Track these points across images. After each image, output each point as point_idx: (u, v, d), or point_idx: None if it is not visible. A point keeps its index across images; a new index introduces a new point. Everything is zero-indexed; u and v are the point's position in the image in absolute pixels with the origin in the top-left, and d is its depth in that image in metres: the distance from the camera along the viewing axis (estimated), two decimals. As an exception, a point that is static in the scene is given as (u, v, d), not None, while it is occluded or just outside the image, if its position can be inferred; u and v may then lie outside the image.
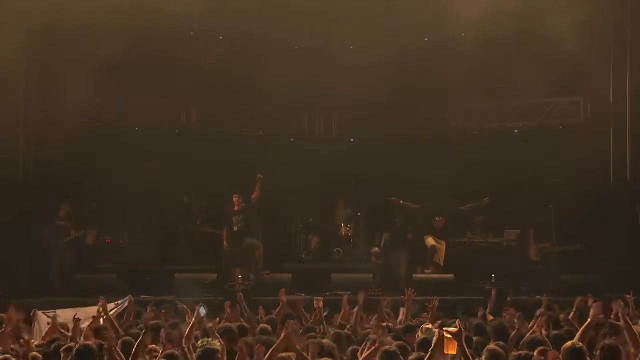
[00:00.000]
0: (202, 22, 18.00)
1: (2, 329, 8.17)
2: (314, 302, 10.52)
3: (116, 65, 15.76)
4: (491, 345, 7.24)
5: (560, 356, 6.53)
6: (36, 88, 15.74)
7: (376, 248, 17.50)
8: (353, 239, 17.38)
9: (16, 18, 15.35)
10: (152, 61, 16.95)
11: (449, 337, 6.47)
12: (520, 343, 7.86)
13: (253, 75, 18.07)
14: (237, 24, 18.12)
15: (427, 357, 6.67)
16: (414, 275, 15.57)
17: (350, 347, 7.98)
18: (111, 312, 10.03)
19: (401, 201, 16.45)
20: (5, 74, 15.31)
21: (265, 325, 9.31)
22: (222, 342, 7.48)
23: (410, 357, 7.12)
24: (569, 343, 6.66)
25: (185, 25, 17.78)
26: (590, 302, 10.93)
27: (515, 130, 17.97)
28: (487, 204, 16.16)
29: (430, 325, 8.75)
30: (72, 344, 7.33)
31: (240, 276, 15.11)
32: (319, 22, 19.11)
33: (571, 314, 10.39)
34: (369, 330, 9.21)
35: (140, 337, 7.50)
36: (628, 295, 10.91)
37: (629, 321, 7.46)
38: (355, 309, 10.35)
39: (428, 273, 15.67)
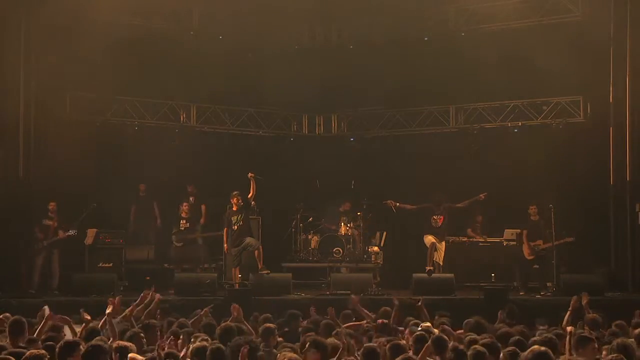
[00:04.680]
0: (202, 22, 18.01)
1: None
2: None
3: (116, 64, 15.77)
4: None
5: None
6: (36, 88, 15.71)
7: (376, 248, 17.50)
8: (353, 239, 17.38)
9: (16, 17, 15.38)
10: (152, 61, 16.95)
11: None
12: None
13: (253, 74, 18.10)
14: (237, 24, 18.13)
15: None
16: (414, 275, 15.55)
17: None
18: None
19: (398, 204, 16.42)
20: (5, 73, 15.36)
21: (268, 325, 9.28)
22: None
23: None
24: (535, 347, 6.67)
25: (185, 25, 17.80)
26: (585, 300, 10.94)
27: (515, 130, 17.96)
28: (485, 199, 16.12)
29: (429, 324, 8.79)
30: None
31: (239, 276, 15.11)
32: (319, 22, 19.12)
33: (567, 314, 10.42)
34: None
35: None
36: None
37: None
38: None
39: (428, 273, 15.64)
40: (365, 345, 7.36)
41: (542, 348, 6.53)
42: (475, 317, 9.69)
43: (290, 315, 10.63)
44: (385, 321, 9.64)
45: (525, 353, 6.60)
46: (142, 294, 11.04)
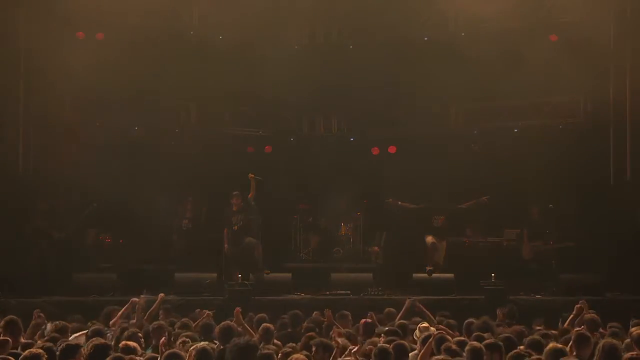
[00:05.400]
0: (202, 22, 18.00)
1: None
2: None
3: (116, 64, 15.76)
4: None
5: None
6: (36, 87, 15.72)
7: (376, 247, 17.50)
8: (353, 239, 17.37)
9: (16, 16, 15.39)
10: (152, 61, 16.94)
11: None
12: None
13: (253, 74, 18.09)
14: (236, 24, 18.10)
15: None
16: (414, 275, 15.55)
17: None
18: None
19: (399, 202, 16.43)
20: (5, 73, 15.37)
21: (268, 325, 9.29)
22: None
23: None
24: (551, 345, 6.71)
25: (185, 25, 17.79)
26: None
27: (515, 130, 17.95)
28: (487, 202, 16.13)
29: (427, 324, 8.81)
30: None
31: (239, 276, 15.10)
32: (319, 22, 19.11)
33: (570, 317, 10.41)
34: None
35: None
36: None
37: None
38: None
39: (428, 273, 15.65)
40: (378, 345, 7.38)
41: (559, 346, 6.59)
42: (482, 317, 9.75)
43: (293, 316, 10.63)
44: (369, 321, 9.65)
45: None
46: (131, 300, 11.02)
